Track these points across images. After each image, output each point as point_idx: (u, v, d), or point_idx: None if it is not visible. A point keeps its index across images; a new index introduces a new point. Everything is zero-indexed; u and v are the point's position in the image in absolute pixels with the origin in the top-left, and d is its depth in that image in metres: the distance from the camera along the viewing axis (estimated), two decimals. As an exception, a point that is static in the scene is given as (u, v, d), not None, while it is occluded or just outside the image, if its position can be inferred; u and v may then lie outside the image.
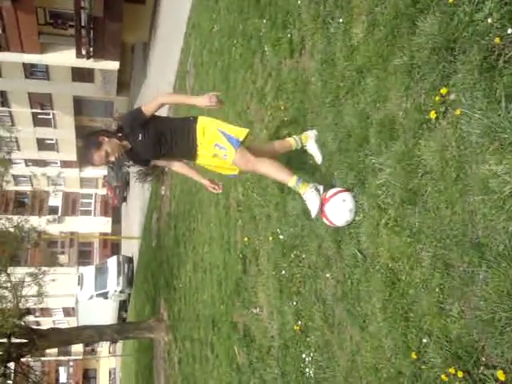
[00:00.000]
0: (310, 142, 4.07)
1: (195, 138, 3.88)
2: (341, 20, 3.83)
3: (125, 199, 30.38)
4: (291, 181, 3.72)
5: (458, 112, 2.50)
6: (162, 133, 3.91)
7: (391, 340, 2.90)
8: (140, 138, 3.88)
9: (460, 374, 2.31)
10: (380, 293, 3.04)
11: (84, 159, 4.06)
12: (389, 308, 2.94)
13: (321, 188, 3.63)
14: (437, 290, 2.55)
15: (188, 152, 3.99)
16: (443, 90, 2.61)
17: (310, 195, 3.59)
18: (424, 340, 2.61)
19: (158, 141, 3.92)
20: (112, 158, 3.89)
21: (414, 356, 2.65)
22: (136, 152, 4.05)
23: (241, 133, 3.85)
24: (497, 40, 2.31)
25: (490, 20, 2.37)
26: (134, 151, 4.03)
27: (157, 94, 4.44)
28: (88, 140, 3.92)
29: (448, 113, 2.60)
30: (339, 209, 3.46)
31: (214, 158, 3.92)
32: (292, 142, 4.16)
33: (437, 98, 2.66)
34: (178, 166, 4.34)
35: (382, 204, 3.08)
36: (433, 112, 2.67)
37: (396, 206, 2.95)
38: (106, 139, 3.81)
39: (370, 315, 3.15)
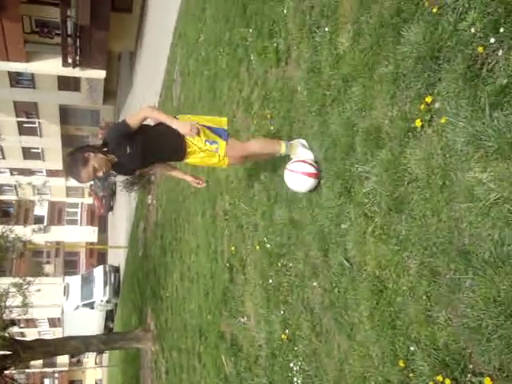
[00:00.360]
0: (299, 149, 4.06)
1: (183, 142, 3.88)
2: (326, 29, 3.85)
3: (111, 208, 30.24)
4: (282, 148, 4.08)
5: (443, 120, 2.52)
6: (150, 142, 3.90)
7: (379, 348, 2.90)
8: (128, 151, 3.86)
9: (448, 382, 2.31)
10: (367, 301, 3.04)
11: (71, 176, 4.00)
12: (376, 316, 2.94)
13: (305, 142, 4.01)
14: (424, 297, 2.55)
15: (178, 154, 4.01)
16: (428, 99, 2.63)
17: (302, 151, 3.95)
18: (411, 348, 2.61)
19: (147, 150, 3.92)
20: (99, 174, 3.86)
21: (401, 364, 2.65)
22: (123, 164, 4.03)
23: (223, 122, 4.00)
24: (480, 49, 2.33)
25: (473, 29, 2.40)
26: (120, 163, 4.00)
27: (142, 105, 4.46)
28: (74, 157, 3.85)
29: (433, 121, 2.62)
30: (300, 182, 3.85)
31: (203, 152, 3.96)
32: (282, 145, 4.14)
33: (422, 107, 2.68)
34: (161, 167, 4.47)
35: (369, 212, 3.09)
36: (418, 120, 2.69)
37: (382, 214, 2.95)
38: (92, 155, 3.77)
39: (358, 323, 3.14)
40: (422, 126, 2.68)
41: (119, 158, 3.92)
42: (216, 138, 3.88)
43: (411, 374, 2.59)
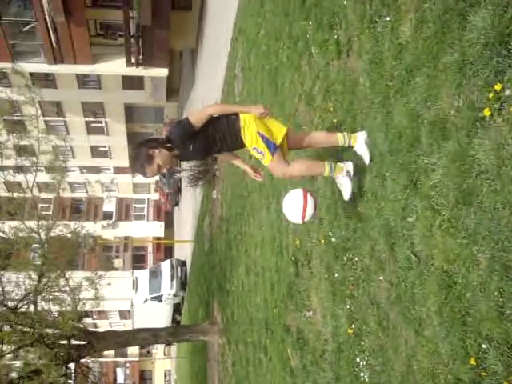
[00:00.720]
0: (358, 143, 4.04)
1: (240, 136, 3.96)
2: (388, 18, 3.77)
3: (177, 203, 30.68)
4: (326, 171, 4.04)
5: (513, 108, 2.42)
6: (211, 138, 3.98)
7: (448, 345, 2.82)
8: (191, 149, 3.97)
9: (523, 382, 2.23)
10: (435, 296, 2.97)
11: (136, 172, 4.15)
12: (445, 312, 2.87)
13: (351, 169, 3.98)
14: (495, 293, 2.46)
15: (237, 147, 4.14)
16: (497, 86, 2.53)
17: (343, 180, 3.95)
18: (483, 345, 2.52)
19: (209, 146, 4.02)
20: (164, 170, 3.97)
21: (473, 362, 2.57)
22: (187, 158, 4.25)
23: (279, 134, 3.95)
24: (553, 32, 2.22)
25: (545, 12, 2.28)
26: (184, 157, 4.18)
27: (204, 102, 4.58)
28: (139, 153, 3.94)
29: (503, 109, 2.52)
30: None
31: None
32: (340, 137, 4.14)
33: (491, 95, 2.57)
34: (224, 155, 4.49)
35: (436, 205, 3.01)
36: (487, 109, 2.59)
37: (450, 206, 2.87)
38: (157, 151, 3.86)
39: (426, 319, 3.08)
40: (491, 115, 2.57)
41: (182, 153, 4.04)
42: (264, 149, 3.89)
43: (483, 373, 2.51)
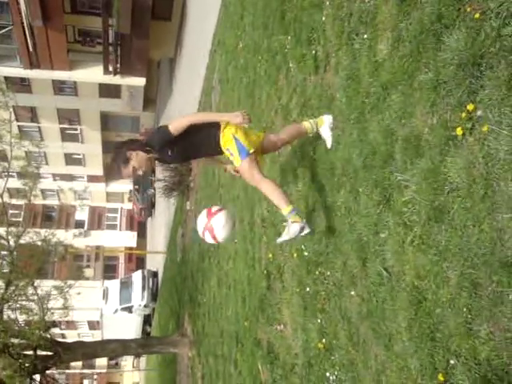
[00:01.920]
0: (324, 126, 4.25)
1: (219, 143, 4.02)
2: (365, 36, 3.82)
3: (153, 205, 30.39)
4: (286, 209, 3.87)
5: (485, 128, 2.46)
6: (188, 145, 4.04)
7: (417, 360, 2.84)
8: (169, 154, 4.05)
9: (489, 398, 2.25)
10: (406, 312, 2.99)
11: (113, 172, 4.24)
12: (415, 327, 2.89)
13: (306, 230, 3.79)
14: (464, 309, 2.49)
15: (215, 154, 4.26)
16: (470, 106, 2.58)
17: (294, 228, 3.77)
18: (451, 361, 2.55)
19: (187, 152, 4.12)
20: (140, 173, 4.05)
21: (441, 378, 2.59)
22: (165, 161, 4.40)
23: (253, 144, 4.02)
24: (525, 56, 2.27)
25: (517, 35, 2.34)
26: (163, 161, 4.33)
27: (182, 112, 4.66)
28: (118, 154, 4.02)
29: (475, 129, 2.56)
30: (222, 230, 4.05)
31: None
32: (307, 125, 4.30)
33: (463, 115, 2.62)
34: (203, 160, 4.74)
35: (408, 221, 3.04)
36: (459, 128, 2.63)
37: (422, 223, 2.90)
38: (134, 154, 3.94)
39: (396, 334, 3.09)
40: (464, 135, 2.62)
41: (161, 158, 4.16)
42: (235, 152, 3.95)
43: (451, 388, 2.53)
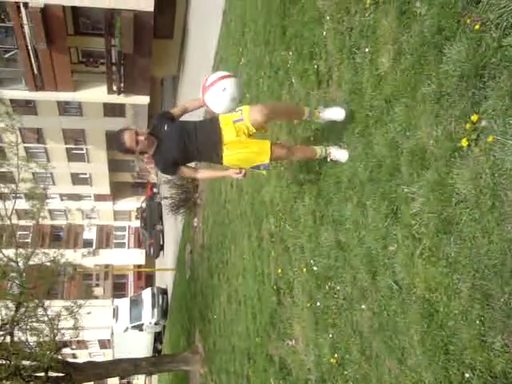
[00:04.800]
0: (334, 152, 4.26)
1: (220, 131, 4.10)
2: (367, 50, 3.84)
3: (162, 247, 29.20)
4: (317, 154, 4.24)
5: (490, 139, 2.46)
6: (186, 130, 4.20)
7: (431, 374, 2.82)
8: (166, 129, 4.15)
9: (506, 411, 2.23)
10: (417, 325, 2.98)
11: (116, 147, 4.24)
12: (427, 340, 2.87)
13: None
14: (477, 321, 2.48)
15: (213, 149, 4.17)
16: (474, 117, 2.58)
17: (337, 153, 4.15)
18: (466, 374, 2.53)
19: (183, 135, 4.17)
20: (141, 137, 4.05)
21: (456, 391, 2.57)
22: (162, 150, 4.21)
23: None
24: (527, 65, 2.28)
25: (518, 45, 2.35)
26: (160, 150, 4.20)
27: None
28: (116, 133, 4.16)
29: (480, 140, 2.56)
30: (219, 98, 3.72)
31: (239, 145, 4.10)
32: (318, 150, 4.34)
33: (468, 126, 2.63)
34: (202, 172, 4.57)
35: (417, 234, 3.03)
36: (464, 140, 2.64)
37: (431, 235, 2.89)
38: (134, 127, 4.13)
39: (409, 348, 3.07)
40: (469, 146, 2.62)
41: (159, 136, 4.17)
42: (239, 109, 4.07)
43: (467, 402, 2.51)
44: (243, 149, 4.10)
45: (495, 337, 2.35)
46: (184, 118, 4.43)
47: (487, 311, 2.42)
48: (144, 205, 30.86)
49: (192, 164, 4.54)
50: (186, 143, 4.19)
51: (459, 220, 2.66)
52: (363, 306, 3.68)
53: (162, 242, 27.43)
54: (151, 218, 27.87)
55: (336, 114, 4.14)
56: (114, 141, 4.23)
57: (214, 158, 4.24)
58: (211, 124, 4.22)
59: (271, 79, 6.61)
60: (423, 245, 2.96)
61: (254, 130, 4.07)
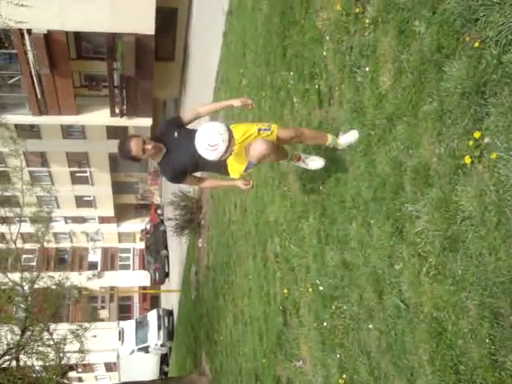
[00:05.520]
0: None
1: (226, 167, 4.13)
2: (367, 69, 3.86)
3: (167, 275, 29.04)
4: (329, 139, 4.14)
5: (493, 155, 2.46)
6: (194, 151, 3.95)
7: (442, 394, 2.78)
8: (176, 136, 4.08)
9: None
10: (426, 344, 2.94)
11: (120, 153, 4.09)
12: (437, 360, 2.83)
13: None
14: (487, 340, 2.45)
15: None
16: (476, 134, 2.58)
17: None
18: (477, 395, 2.49)
19: (192, 143, 3.91)
20: (148, 146, 3.95)
21: (467, 412, 2.53)
22: (171, 158, 4.11)
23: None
24: (528, 82, 2.28)
25: (518, 61, 2.36)
26: (169, 157, 4.11)
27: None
28: (121, 142, 4.10)
29: (483, 157, 2.56)
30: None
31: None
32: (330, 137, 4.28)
33: (470, 143, 2.62)
34: (207, 182, 4.59)
35: (422, 252, 3.01)
36: (467, 157, 2.63)
37: (436, 253, 2.88)
38: (141, 135, 4.03)
39: (418, 368, 3.04)
40: (472, 163, 2.62)
41: (167, 143, 4.09)
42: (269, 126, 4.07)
43: (479, 423, 2.47)
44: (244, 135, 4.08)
45: (506, 356, 2.32)
46: (190, 125, 4.36)
47: (497, 330, 2.39)
48: (148, 226, 30.84)
49: (197, 173, 4.52)
50: (196, 152, 4.01)
51: (465, 237, 2.64)
52: (370, 326, 3.65)
53: (167, 269, 27.23)
54: (156, 245, 27.82)
55: (353, 136, 4.08)
56: (119, 147, 4.08)
57: (222, 169, 4.24)
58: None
59: (273, 99, 6.65)
60: (429, 263, 2.95)
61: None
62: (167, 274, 27.43)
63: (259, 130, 4.01)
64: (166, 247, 27.53)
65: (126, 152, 3.98)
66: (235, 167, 4.15)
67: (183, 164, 4.11)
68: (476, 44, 2.63)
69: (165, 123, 4.38)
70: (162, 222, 28.36)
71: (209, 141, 3.72)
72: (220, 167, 4.21)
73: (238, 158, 4.09)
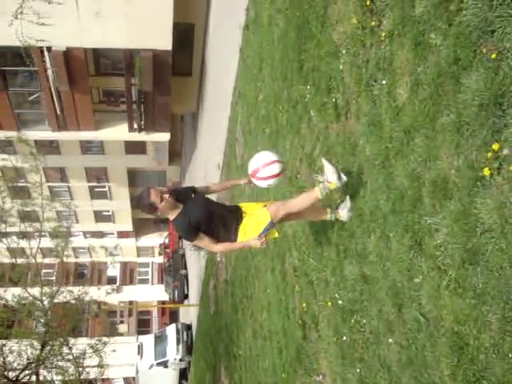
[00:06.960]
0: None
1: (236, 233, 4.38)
2: (384, 82, 3.86)
3: (186, 297, 28.11)
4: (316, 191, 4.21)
5: (512, 167, 2.44)
6: (211, 203, 4.45)
7: (465, 410, 2.74)
8: (192, 196, 4.35)
9: None
10: (448, 358, 2.91)
11: (138, 201, 4.29)
12: (459, 375, 2.79)
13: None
14: (510, 355, 2.41)
15: (231, 228, 4.41)
16: (495, 146, 2.56)
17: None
18: (501, 410, 2.45)
19: (208, 205, 4.38)
20: (166, 195, 4.12)
21: (491, 428, 2.49)
22: (187, 212, 4.26)
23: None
24: (547, 93, 2.27)
25: (537, 73, 2.34)
26: (185, 213, 4.25)
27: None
28: (140, 195, 4.25)
29: (502, 168, 2.54)
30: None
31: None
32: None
33: (489, 154, 2.61)
34: (221, 245, 4.48)
35: (442, 265, 2.99)
36: (486, 169, 2.61)
37: (456, 266, 2.85)
38: (166, 198, 4.13)
39: (439, 383, 3.00)
40: (491, 175, 2.60)
41: (183, 202, 4.28)
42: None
43: None
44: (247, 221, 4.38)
45: (529, 371, 2.29)
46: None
47: (519, 344, 2.36)
48: (167, 240, 30.93)
49: None
50: (211, 210, 4.34)
51: (485, 250, 2.62)
52: (390, 340, 3.61)
53: (186, 291, 27.31)
54: (175, 267, 28.10)
55: (348, 204, 4.39)
56: (138, 197, 4.32)
57: (231, 237, 4.40)
58: (231, 213, 4.44)
59: (290, 113, 6.66)
60: (449, 276, 2.92)
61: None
62: (186, 296, 27.42)
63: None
64: (185, 267, 27.72)
65: (144, 198, 4.14)
66: (253, 228, 4.34)
67: (198, 218, 4.24)
68: (493, 55, 2.63)
69: (181, 188, 4.70)
70: (180, 246, 28.62)
71: (263, 160, 4.31)
72: (230, 229, 4.39)
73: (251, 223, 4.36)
